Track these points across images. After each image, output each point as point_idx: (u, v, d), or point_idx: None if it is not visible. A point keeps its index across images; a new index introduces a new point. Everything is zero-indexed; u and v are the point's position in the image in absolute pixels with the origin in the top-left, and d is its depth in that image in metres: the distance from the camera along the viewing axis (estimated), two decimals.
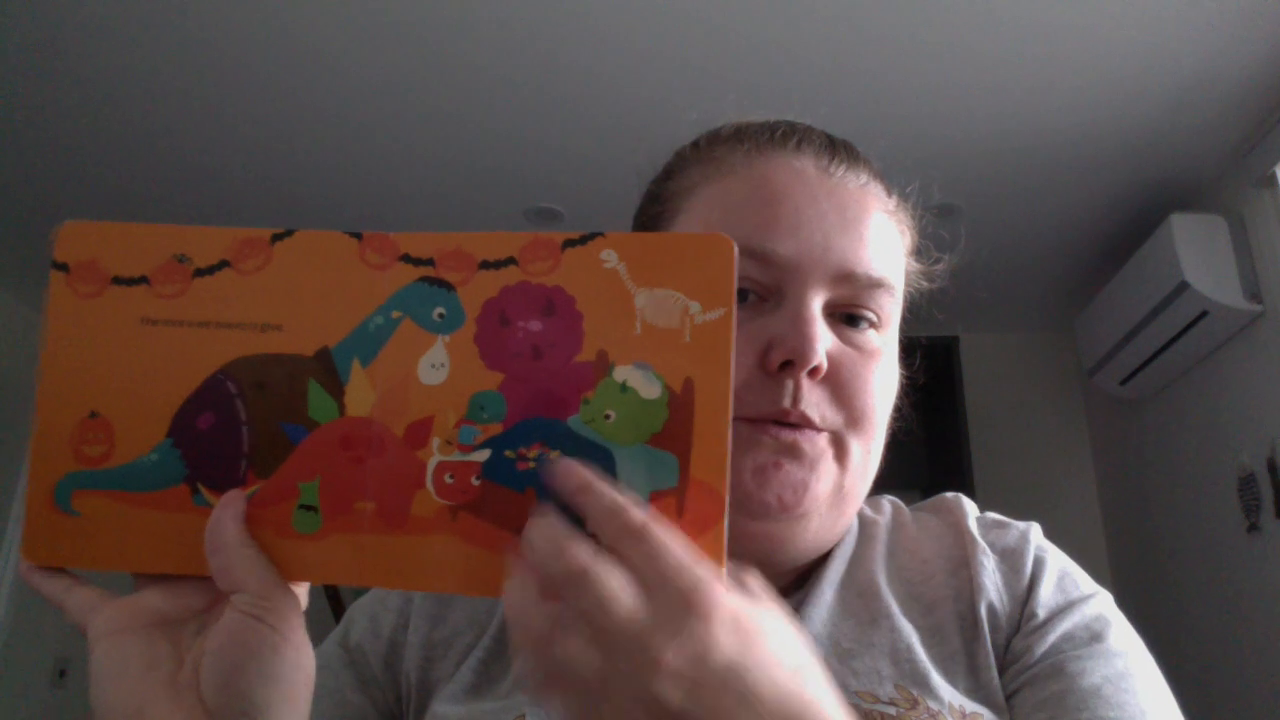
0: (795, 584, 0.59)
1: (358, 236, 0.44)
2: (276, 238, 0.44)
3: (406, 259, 0.43)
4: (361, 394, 0.43)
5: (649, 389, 0.41)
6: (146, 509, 0.43)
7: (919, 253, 0.65)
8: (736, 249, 0.41)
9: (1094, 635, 0.53)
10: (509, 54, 2.04)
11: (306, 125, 2.29)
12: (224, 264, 0.44)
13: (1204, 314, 2.37)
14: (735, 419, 0.52)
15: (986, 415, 3.21)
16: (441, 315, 0.43)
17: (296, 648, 0.42)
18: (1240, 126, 2.25)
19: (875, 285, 0.56)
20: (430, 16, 1.93)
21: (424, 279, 0.43)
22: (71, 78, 2.10)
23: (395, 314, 0.43)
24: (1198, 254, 2.34)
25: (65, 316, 0.44)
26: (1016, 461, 3.27)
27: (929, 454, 3.25)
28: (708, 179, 0.59)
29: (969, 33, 1.95)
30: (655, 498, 0.40)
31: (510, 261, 0.43)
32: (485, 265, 0.43)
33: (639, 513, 0.37)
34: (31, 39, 1.98)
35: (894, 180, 0.63)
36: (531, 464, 0.41)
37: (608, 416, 0.41)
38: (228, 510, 0.42)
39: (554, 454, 0.41)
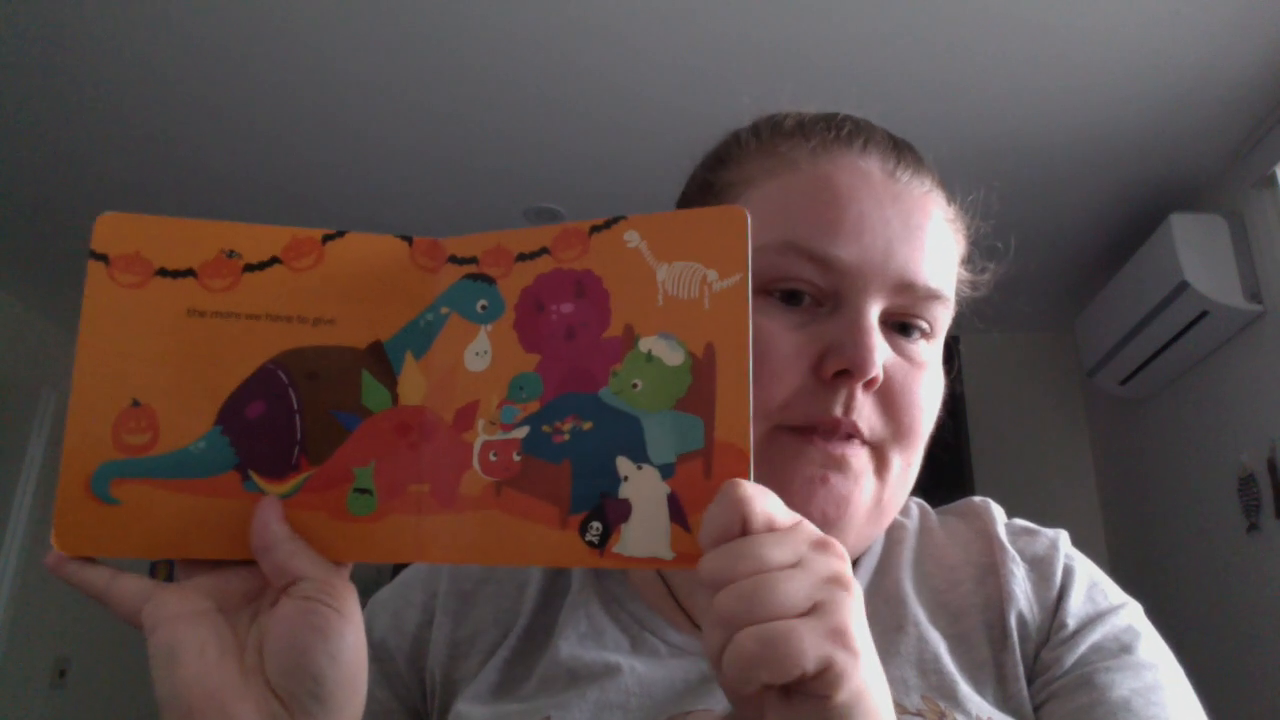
0: None
1: (408, 240, 0.47)
2: (328, 238, 0.46)
3: (453, 259, 0.47)
4: (414, 384, 0.45)
5: (672, 356, 0.42)
6: (194, 496, 0.44)
7: (969, 261, 0.63)
8: (749, 217, 0.43)
9: (1123, 647, 0.53)
10: (509, 54, 2.04)
11: (307, 125, 2.29)
12: (275, 260, 0.45)
13: (1204, 314, 2.37)
14: (783, 429, 0.52)
15: (986, 415, 3.21)
16: (484, 307, 0.46)
17: (356, 628, 0.43)
18: (1240, 126, 2.25)
19: (933, 297, 0.55)
20: (430, 17, 1.93)
21: (468, 276, 0.46)
22: (71, 79, 2.10)
23: (444, 310, 0.46)
24: (1198, 254, 2.34)
25: (104, 306, 0.44)
26: (1016, 461, 3.27)
27: (928, 454, 3.22)
28: (769, 173, 0.57)
29: (969, 33, 1.95)
30: (683, 459, 0.41)
31: (544, 252, 0.45)
32: (521, 257, 0.46)
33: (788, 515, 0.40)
34: (32, 41, 1.98)
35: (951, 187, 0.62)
36: (566, 436, 0.43)
37: (635, 385, 0.43)
38: (268, 512, 0.43)
39: (587, 424, 0.43)
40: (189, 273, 0.45)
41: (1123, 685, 0.50)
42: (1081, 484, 3.34)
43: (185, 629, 0.41)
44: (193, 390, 0.44)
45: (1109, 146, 2.34)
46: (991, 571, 0.58)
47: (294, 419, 0.45)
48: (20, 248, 2.90)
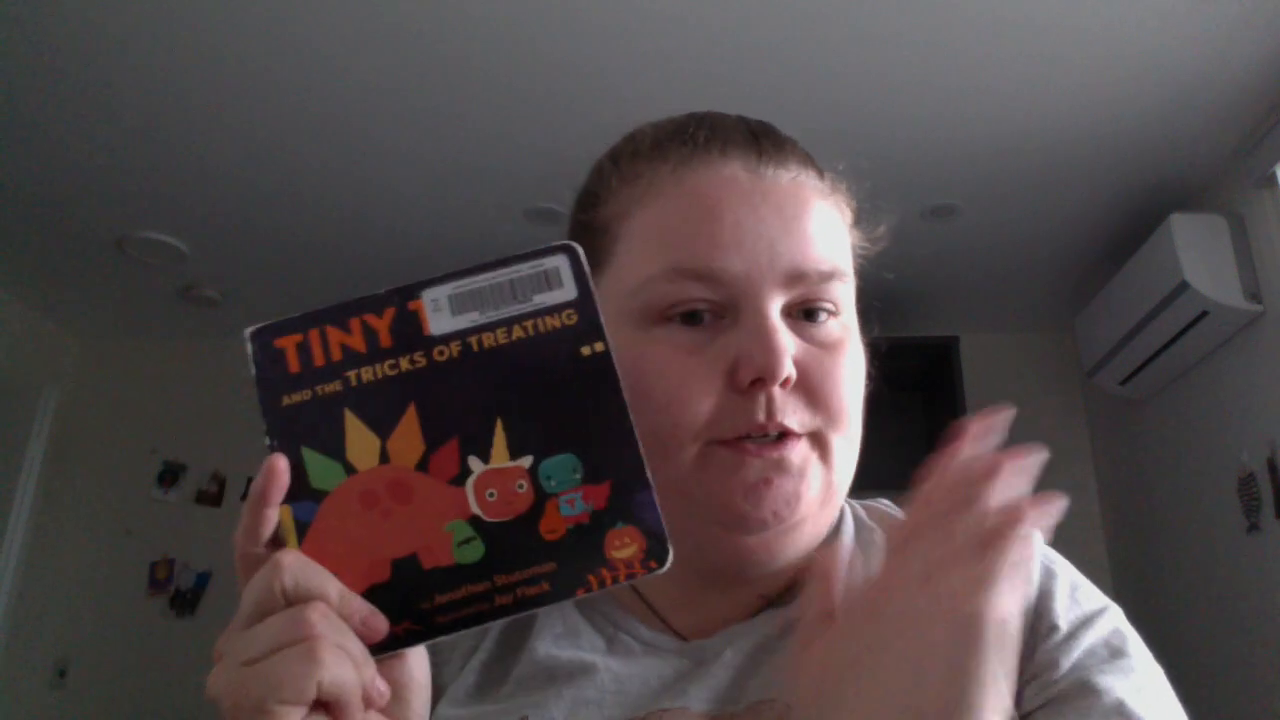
0: (788, 588, 0.58)
1: None
2: None
3: None
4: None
5: None
6: None
7: (857, 222, 0.63)
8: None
9: (1115, 651, 0.54)
10: (508, 55, 2.04)
11: (306, 125, 2.29)
12: None
13: (1204, 314, 2.37)
14: (715, 443, 0.52)
15: None
16: None
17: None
18: (1240, 126, 2.25)
19: (828, 277, 0.55)
20: (429, 18, 1.93)
21: None
22: (72, 79, 2.10)
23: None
24: (1198, 254, 2.34)
25: None
26: None
27: (929, 454, 3.23)
28: (639, 203, 0.57)
29: (969, 33, 1.95)
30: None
31: None
32: None
33: None
34: (32, 41, 1.98)
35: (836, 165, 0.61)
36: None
37: None
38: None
39: None
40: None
41: (1119, 689, 0.51)
42: (1081, 484, 3.33)
43: None
44: None
45: (1109, 146, 2.34)
46: None
47: None
48: (20, 248, 2.90)
